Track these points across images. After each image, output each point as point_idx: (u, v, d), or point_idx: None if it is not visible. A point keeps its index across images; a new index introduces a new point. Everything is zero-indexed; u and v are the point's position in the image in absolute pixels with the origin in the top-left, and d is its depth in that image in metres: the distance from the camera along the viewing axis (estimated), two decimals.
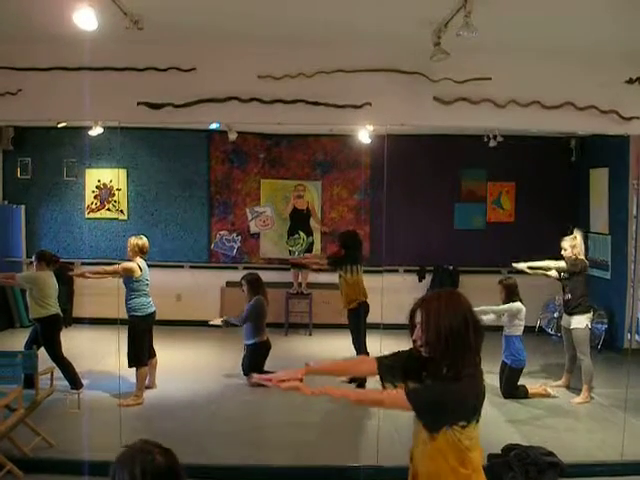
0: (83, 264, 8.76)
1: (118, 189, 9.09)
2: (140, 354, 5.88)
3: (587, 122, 4.88)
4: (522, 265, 6.34)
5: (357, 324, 6.49)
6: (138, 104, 4.70)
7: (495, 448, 4.65)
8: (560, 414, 5.84)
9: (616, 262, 7.89)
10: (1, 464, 4.29)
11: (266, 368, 6.46)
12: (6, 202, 9.11)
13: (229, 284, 9.08)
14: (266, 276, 7.18)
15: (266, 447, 5.08)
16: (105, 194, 9.17)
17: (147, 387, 6.10)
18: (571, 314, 6.15)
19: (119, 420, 4.72)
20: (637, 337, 7.33)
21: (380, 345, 4.43)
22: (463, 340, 2.20)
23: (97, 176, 9.13)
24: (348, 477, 4.67)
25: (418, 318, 2.30)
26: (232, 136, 8.20)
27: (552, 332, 8.43)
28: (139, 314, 5.88)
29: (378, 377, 2.43)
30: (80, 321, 8.15)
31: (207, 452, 4.74)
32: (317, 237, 9.19)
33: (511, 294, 6.19)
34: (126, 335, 5.76)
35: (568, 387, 6.46)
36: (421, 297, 2.37)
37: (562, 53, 4.69)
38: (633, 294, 7.40)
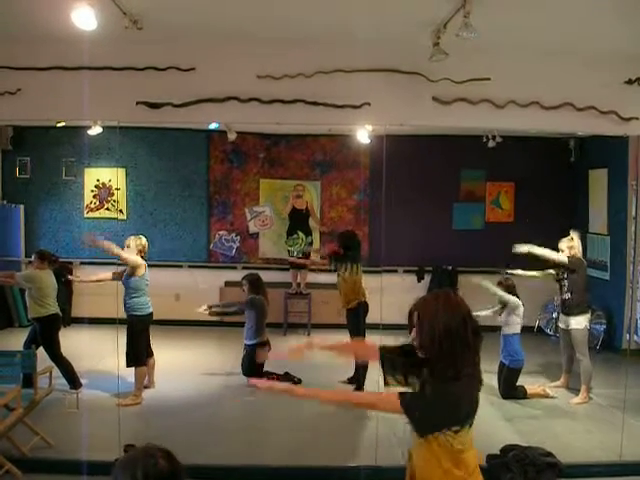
0: (82, 264, 8.77)
1: (117, 189, 9.08)
2: (139, 354, 5.88)
3: (586, 123, 4.88)
4: (525, 248, 6.17)
5: (356, 324, 6.47)
6: (137, 104, 4.70)
7: (494, 449, 4.65)
8: (559, 414, 5.84)
9: (615, 263, 7.89)
10: (0, 464, 4.29)
11: (266, 368, 6.48)
12: (5, 201, 9.10)
13: (228, 284, 9.07)
14: (265, 276, 7.17)
15: (265, 447, 5.07)
16: (104, 194, 9.17)
17: (146, 387, 6.10)
18: (569, 314, 6.15)
19: (118, 420, 4.71)
20: (636, 338, 7.34)
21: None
22: (462, 340, 2.20)
23: (96, 175, 9.14)
24: (347, 477, 4.67)
25: (416, 319, 2.30)
26: (231, 136, 8.18)
27: (551, 332, 8.45)
28: (138, 314, 5.87)
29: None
30: (79, 321, 8.13)
31: (206, 452, 4.73)
32: (316, 237, 9.18)
33: (510, 294, 6.21)
34: (125, 335, 5.75)
35: (567, 387, 6.46)
36: (420, 297, 2.37)
37: (561, 54, 4.69)
38: (632, 295, 7.41)
